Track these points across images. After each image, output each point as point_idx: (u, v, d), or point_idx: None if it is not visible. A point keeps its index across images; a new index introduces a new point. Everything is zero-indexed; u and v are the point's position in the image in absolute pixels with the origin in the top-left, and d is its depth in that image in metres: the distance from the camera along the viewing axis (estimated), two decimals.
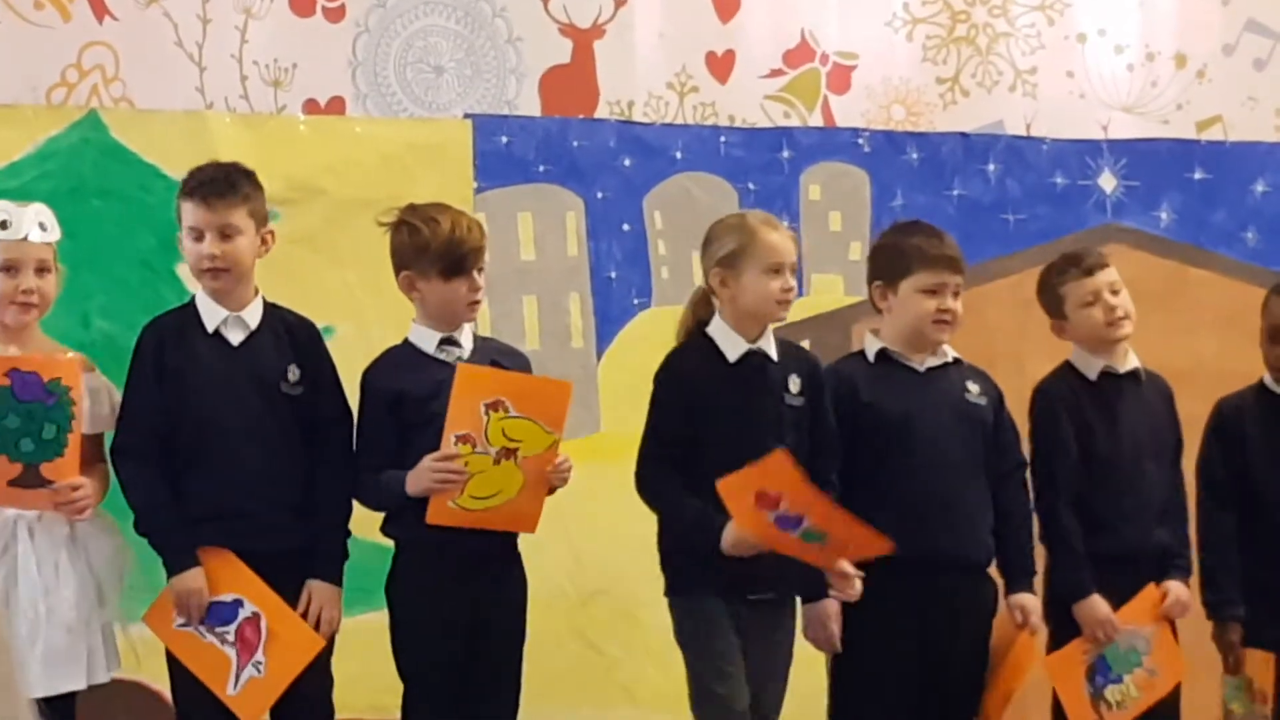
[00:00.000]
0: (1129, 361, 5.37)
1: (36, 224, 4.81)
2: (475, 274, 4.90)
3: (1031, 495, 5.28)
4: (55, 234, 4.87)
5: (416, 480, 4.75)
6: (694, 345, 5.05)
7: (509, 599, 4.89)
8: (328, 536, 4.91)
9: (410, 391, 4.85)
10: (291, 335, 4.97)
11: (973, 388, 5.20)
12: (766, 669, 4.96)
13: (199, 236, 4.87)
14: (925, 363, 5.19)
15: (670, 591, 4.99)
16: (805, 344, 6.37)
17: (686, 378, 4.97)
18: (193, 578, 4.78)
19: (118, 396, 4.88)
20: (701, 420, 4.92)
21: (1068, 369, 5.38)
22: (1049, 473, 5.29)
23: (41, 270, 4.81)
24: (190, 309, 4.95)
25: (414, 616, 4.85)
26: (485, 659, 4.83)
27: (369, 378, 4.94)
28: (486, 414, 4.67)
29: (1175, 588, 5.27)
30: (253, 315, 4.92)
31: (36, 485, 4.64)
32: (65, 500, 4.67)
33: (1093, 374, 5.34)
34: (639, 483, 4.94)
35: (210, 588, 4.78)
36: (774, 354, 5.03)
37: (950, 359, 5.23)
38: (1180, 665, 5.27)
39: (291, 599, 4.86)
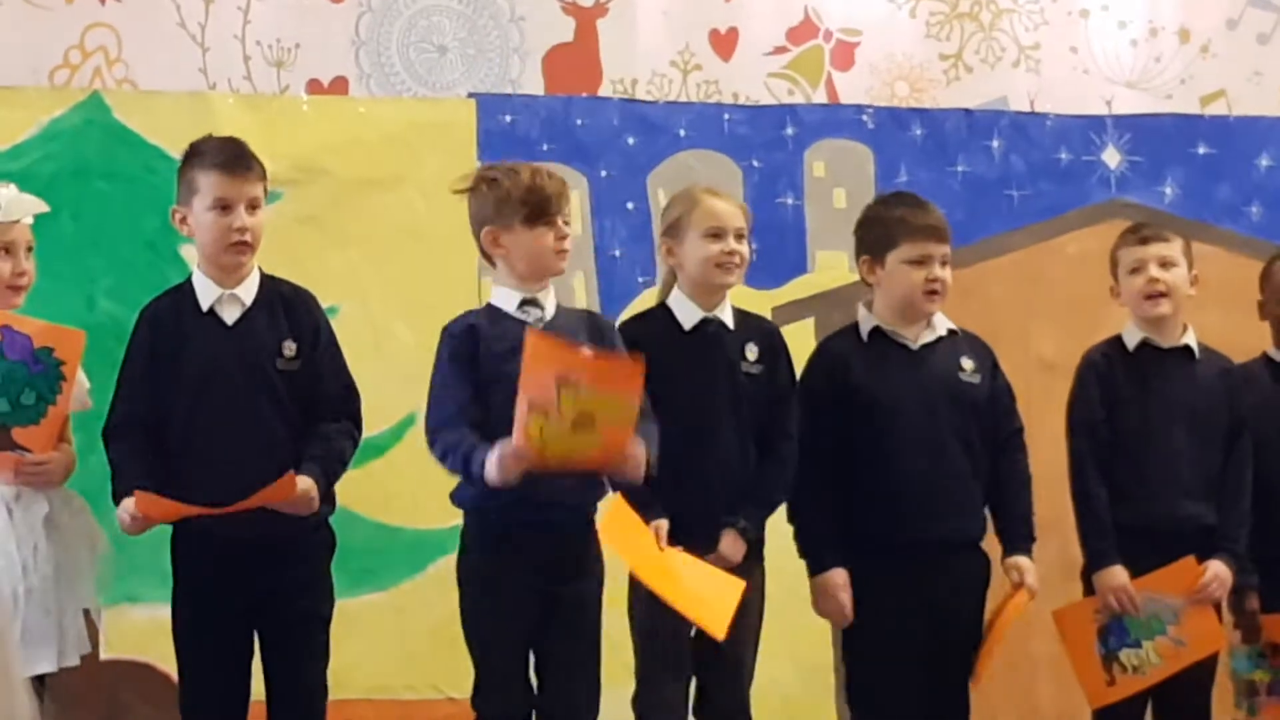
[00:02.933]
0: (1179, 337, 5.35)
1: (27, 205, 4.77)
2: (561, 222, 4.79)
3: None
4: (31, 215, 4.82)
5: (499, 466, 4.50)
6: (652, 314, 5.10)
7: (581, 582, 4.78)
8: (318, 466, 4.77)
9: (488, 339, 4.72)
10: (287, 308, 4.88)
11: (967, 364, 5.16)
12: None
13: (227, 208, 4.77)
14: (920, 339, 5.15)
15: None
16: (810, 321, 6.42)
17: (639, 344, 4.88)
18: (125, 506, 4.64)
19: (86, 382, 4.81)
20: (656, 386, 4.82)
21: (1115, 338, 5.39)
22: (1076, 439, 5.31)
23: (30, 251, 4.76)
24: (186, 288, 4.87)
25: (483, 600, 4.74)
26: (558, 644, 4.75)
27: (448, 329, 4.81)
28: (557, 389, 4.43)
29: (1214, 566, 5.21)
30: (248, 291, 4.84)
31: (5, 447, 4.56)
32: (28, 469, 4.60)
33: (1131, 344, 5.35)
34: None
35: None
36: (730, 322, 5.05)
37: (944, 332, 5.19)
38: (1218, 639, 5.24)
39: (275, 585, 4.74)
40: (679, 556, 4.82)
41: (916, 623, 5.00)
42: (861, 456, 5.07)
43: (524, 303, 4.78)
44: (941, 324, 5.20)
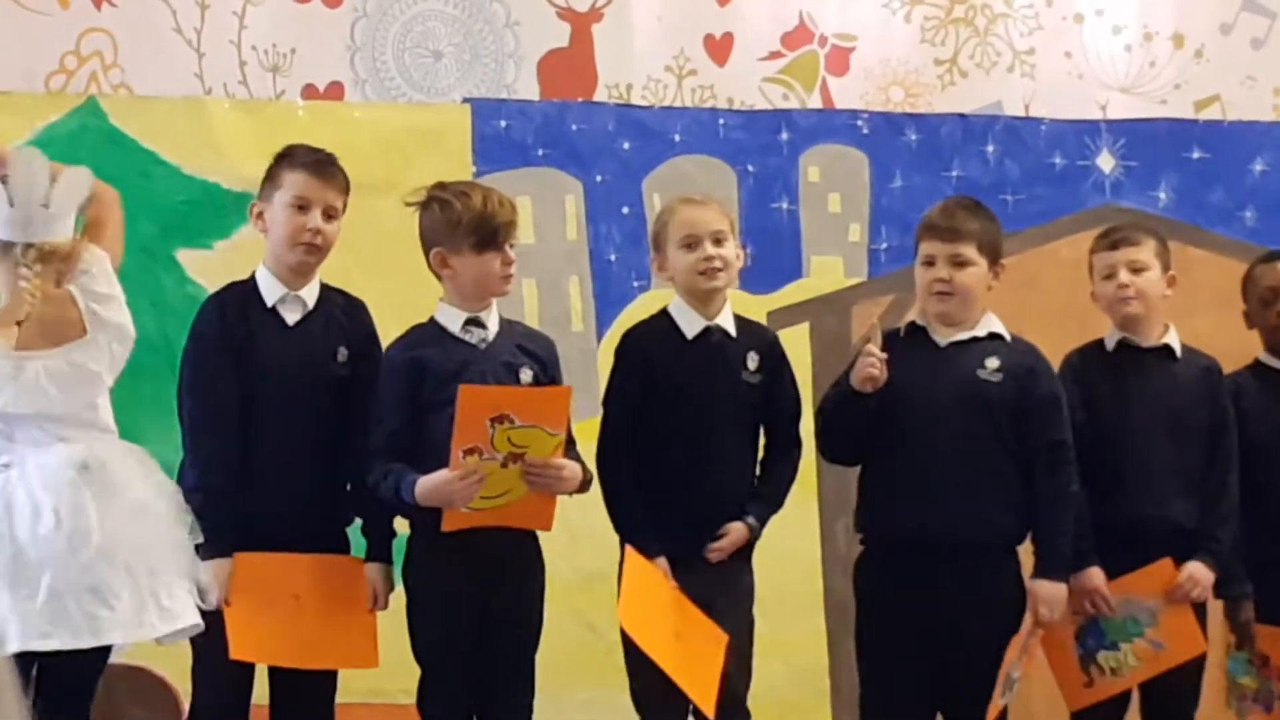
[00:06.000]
0: (1158, 337, 5.33)
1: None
2: (508, 248, 4.89)
3: None
4: None
5: (432, 494, 4.68)
6: (653, 321, 5.10)
7: (524, 587, 4.87)
8: (375, 515, 4.91)
9: (432, 366, 4.81)
10: (345, 315, 5.00)
11: (990, 363, 5.06)
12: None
13: (305, 208, 4.90)
14: (950, 337, 5.10)
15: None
16: (804, 326, 6.44)
17: (644, 352, 5.01)
18: (220, 567, 4.74)
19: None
20: (658, 395, 4.96)
21: (1096, 341, 5.38)
22: None
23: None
24: (250, 284, 4.95)
25: (428, 603, 4.81)
26: (499, 647, 4.82)
27: (390, 352, 4.92)
28: (492, 427, 4.64)
29: (1191, 568, 5.18)
30: (310, 294, 4.95)
31: None
32: None
33: (1110, 345, 5.35)
34: (598, 466, 4.96)
35: None
36: (732, 330, 5.06)
37: (983, 334, 5.11)
38: (1196, 643, 5.20)
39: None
40: (679, 598, 4.87)
41: (906, 628, 4.97)
42: (877, 452, 5.08)
43: (468, 322, 4.89)
44: (986, 326, 5.13)
